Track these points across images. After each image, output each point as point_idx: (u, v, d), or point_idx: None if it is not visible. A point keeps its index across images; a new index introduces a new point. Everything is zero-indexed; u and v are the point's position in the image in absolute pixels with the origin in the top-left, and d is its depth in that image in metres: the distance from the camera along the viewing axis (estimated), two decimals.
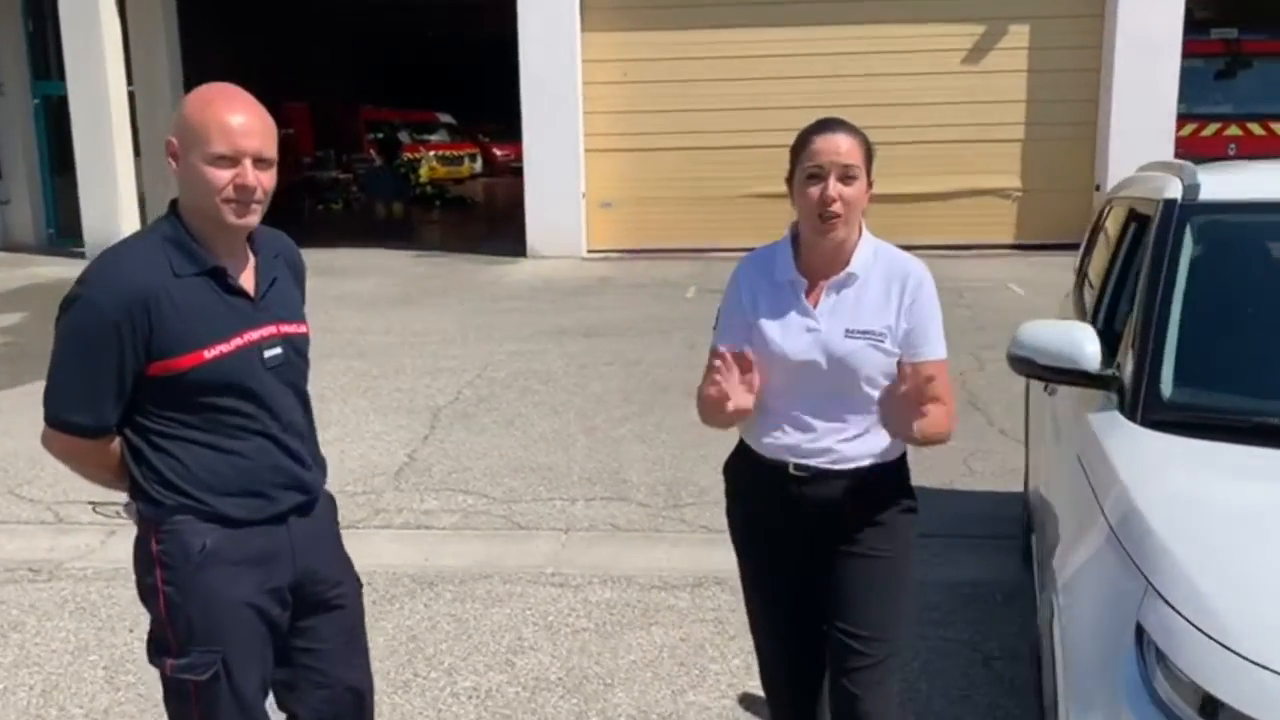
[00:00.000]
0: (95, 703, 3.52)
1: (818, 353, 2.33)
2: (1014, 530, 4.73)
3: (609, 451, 5.99)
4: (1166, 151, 12.83)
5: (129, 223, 14.58)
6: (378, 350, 8.58)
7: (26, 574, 4.53)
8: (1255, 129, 14.36)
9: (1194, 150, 13.70)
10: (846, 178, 2.27)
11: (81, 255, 14.23)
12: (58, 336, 2.10)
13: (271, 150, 2.09)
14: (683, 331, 9.06)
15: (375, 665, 2.62)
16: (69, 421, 2.11)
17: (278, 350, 2.18)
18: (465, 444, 6.22)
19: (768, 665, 2.66)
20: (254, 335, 2.14)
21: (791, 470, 2.39)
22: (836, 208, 2.26)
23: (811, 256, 2.37)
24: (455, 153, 29.73)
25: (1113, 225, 3.78)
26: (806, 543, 2.45)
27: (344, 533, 2.48)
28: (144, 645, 3.81)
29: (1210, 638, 1.65)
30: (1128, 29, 12.74)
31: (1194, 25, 13.27)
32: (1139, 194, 3.27)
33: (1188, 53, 13.04)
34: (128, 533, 4.90)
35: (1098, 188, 13.36)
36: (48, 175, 16.22)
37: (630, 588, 4.31)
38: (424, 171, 25.77)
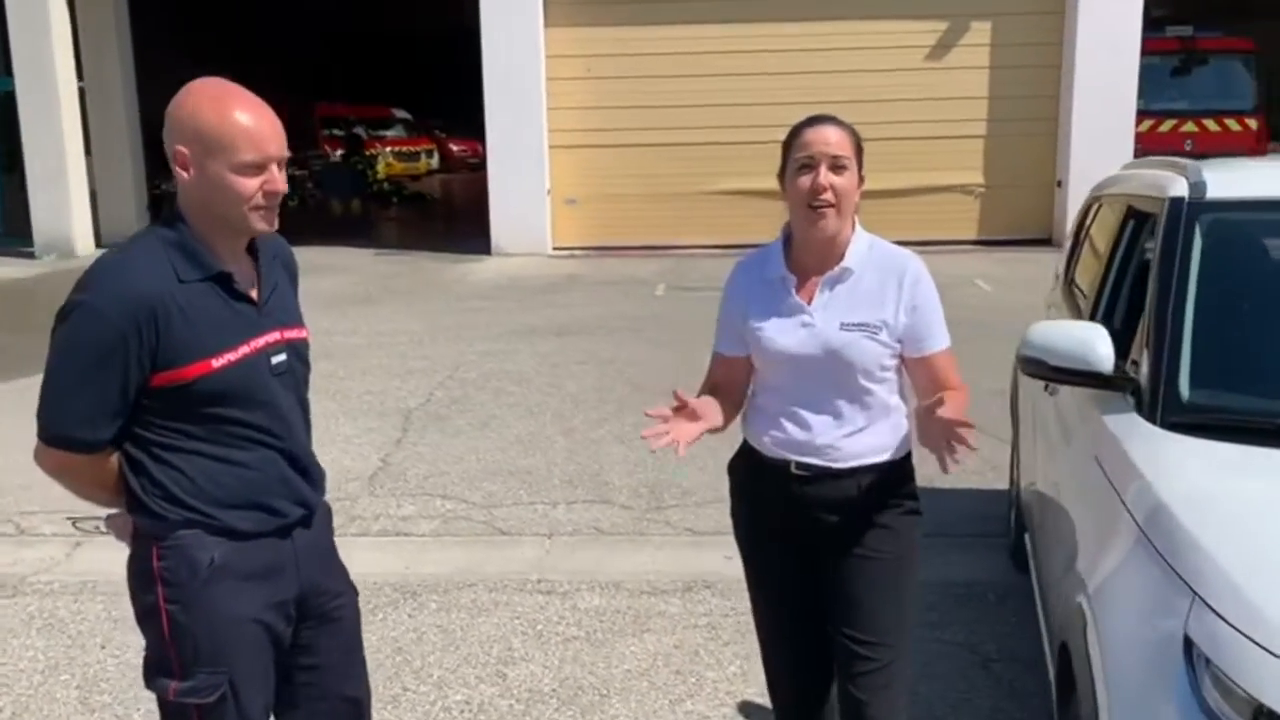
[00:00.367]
0: None
1: (814, 346, 2.33)
2: (1000, 529, 4.72)
3: (588, 453, 5.91)
4: (1127, 148, 12.98)
5: (80, 222, 14.25)
6: (344, 351, 8.42)
7: None
8: (1211, 125, 14.60)
9: (1152, 147, 13.87)
10: (837, 168, 2.29)
11: (31, 255, 13.89)
12: (55, 347, 1.97)
13: (286, 148, 2.03)
14: (654, 329, 8.99)
15: None
16: (67, 437, 2.00)
17: (283, 357, 2.11)
18: (440, 447, 6.10)
19: (772, 667, 2.63)
20: (260, 342, 2.07)
21: (793, 470, 2.39)
22: (827, 196, 2.28)
23: (804, 252, 2.38)
24: (412, 149, 29.44)
25: (1105, 223, 3.76)
26: (810, 544, 2.44)
27: None
28: (118, 663, 3.71)
29: (1262, 647, 1.61)
30: (1088, 26, 12.85)
31: (1150, 23, 13.43)
32: (1137, 191, 3.24)
33: (1144, 50, 13.19)
34: (96, 544, 4.78)
35: (1059, 184, 13.50)
36: None
37: (619, 594, 4.23)
38: (381, 168, 25.47)
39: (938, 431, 2.13)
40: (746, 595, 4.12)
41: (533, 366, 7.84)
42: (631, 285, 11.23)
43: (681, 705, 3.43)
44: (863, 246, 2.39)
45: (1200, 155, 11.47)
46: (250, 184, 1.97)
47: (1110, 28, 12.80)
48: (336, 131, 27.40)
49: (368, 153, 25.67)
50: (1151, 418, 2.35)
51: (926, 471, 5.71)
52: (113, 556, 4.60)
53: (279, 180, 2.00)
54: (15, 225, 14.98)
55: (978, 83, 13.45)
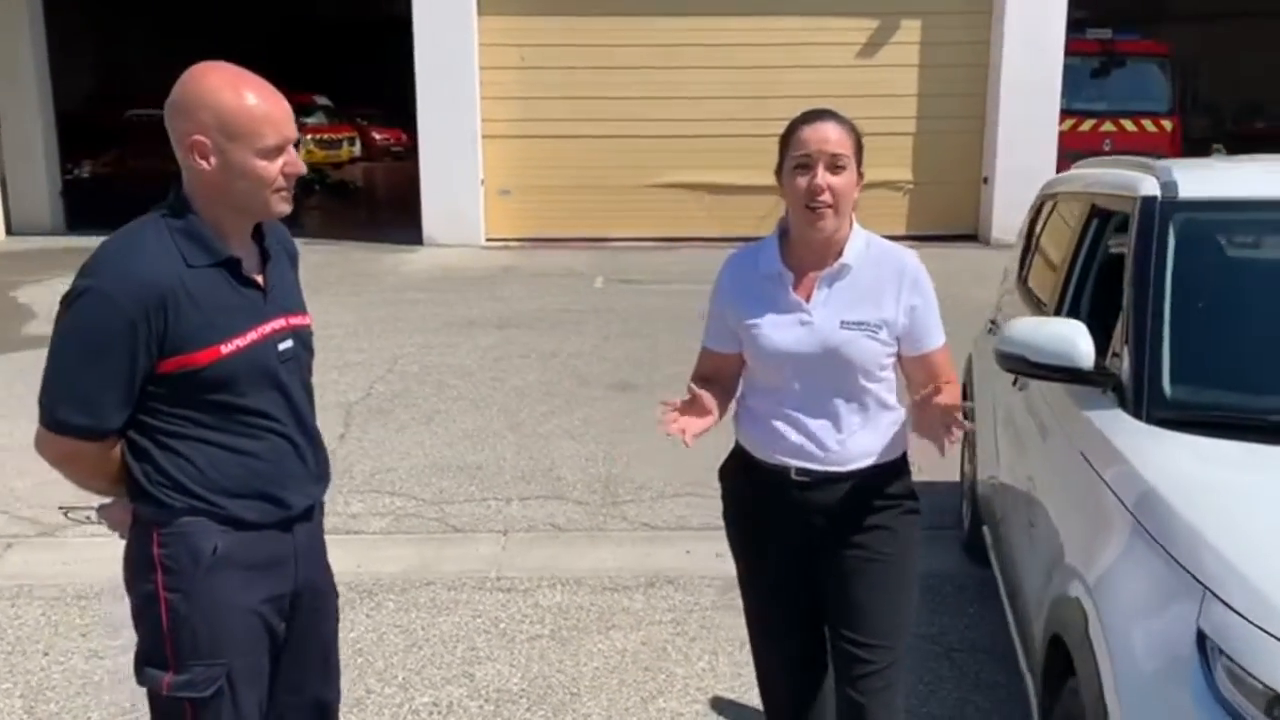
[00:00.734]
0: None
1: (813, 345, 2.29)
2: (952, 521, 4.79)
3: (538, 448, 5.85)
4: (1051, 146, 13.31)
5: None
6: None
7: None
8: (1128, 126, 15.03)
9: (1073, 146, 14.24)
10: (835, 167, 2.23)
11: None
12: (61, 332, 1.93)
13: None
14: (595, 322, 8.95)
15: None
16: (71, 424, 1.95)
17: (289, 343, 2.10)
18: (385, 443, 5.98)
19: (765, 669, 2.61)
20: (267, 328, 2.04)
21: (793, 475, 2.35)
22: (825, 198, 2.22)
23: (801, 249, 2.34)
24: (333, 136, 28.81)
25: (1064, 221, 3.82)
26: (808, 547, 2.40)
27: None
28: (63, 670, 3.56)
29: (1277, 638, 1.64)
30: (1014, 26, 13.14)
31: (1071, 25, 13.77)
32: (1102, 190, 3.30)
33: (1066, 51, 13.52)
34: (28, 545, 4.58)
35: (985, 180, 13.78)
36: None
37: (581, 590, 4.19)
38: (302, 155, 24.89)
39: (935, 417, 2.15)
40: (709, 590, 4.17)
41: (474, 360, 7.74)
42: (569, 277, 11.16)
43: (654, 702, 3.40)
44: (860, 243, 2.35)
45: (1118, 154, 11.76)
46: (273, 167, 1.96)
47: (1035, 29, 13.11)
48: None
49: None
50: (1138, 414, 2.40)
51: None
52: (48, 558, 4.45)
53: (298, 161, 2.01)
54: None
55: (907, 80, 13.66)
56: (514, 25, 13.31)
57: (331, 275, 11.53)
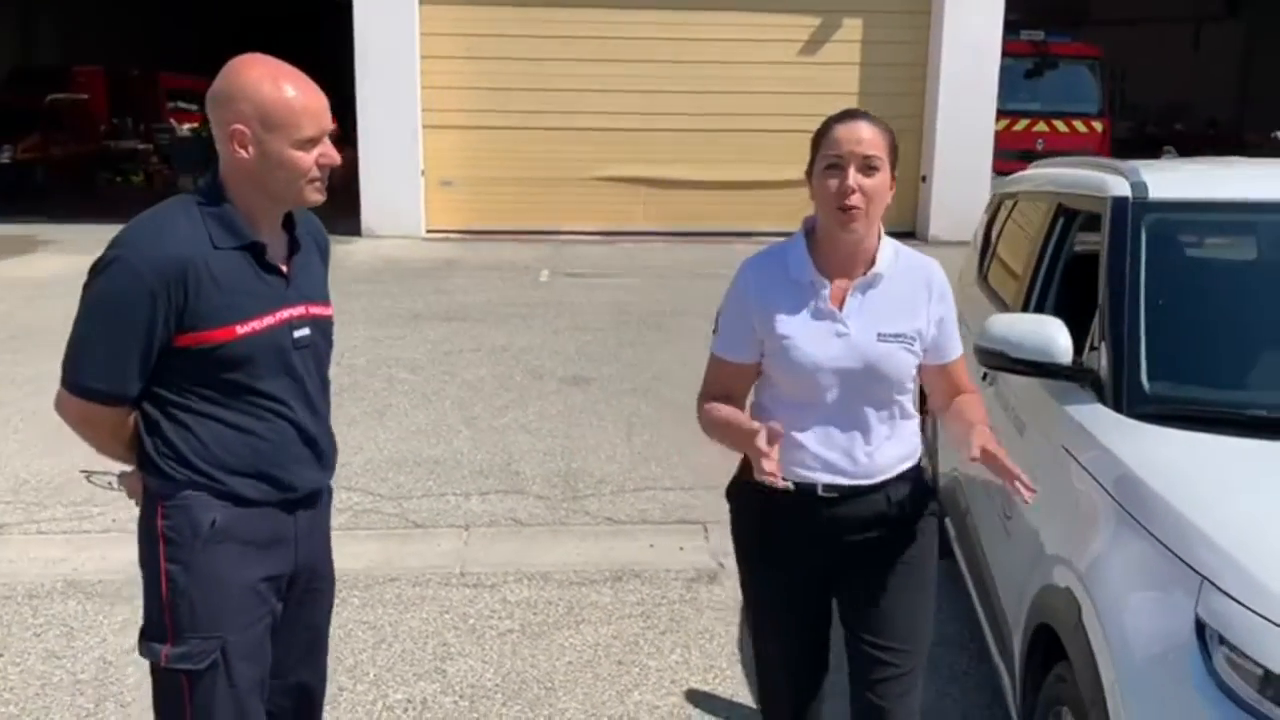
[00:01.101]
0: None
1: (851, 359, 2.20)
2: None
3: (494, 443, 5.81)
4: (987, 145, 13.59)
5: None
6: None
7: None
8: (1060, 126, 15.41)
9: (1007, 145, 14.57)
10: (867, 169, 2.14)
11: None
12: (87, 299, 2.00)
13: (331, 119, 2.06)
14: (544, 315, 8.91)
15: None
16: (89, 388, 2.02)
17: (306, 331, 2.16)
18: (337, 437, 5.87)
19: (771, 673, 2.53)
20: (285, 314, 2.10)
21: (820, 492, 2.25)
22: (855, 200, 2.13)
23: (830, 254, 2.24)
24: None
25: (1027, 221, 3.91)
26: (831, 560, 2.33)
27: None
28: (20, 672, 3.46)
29: (1269, 620, 1.71)
30: (953, 27, 13.36)
31: (1005, 26, 14.06)
32: (1069, 190, 3.38)
33: (1001, 52, 13.81)
34: None
35: (924, 179, 14.00)
36: None
37: (548, 585, 4.18)
38: None
39: (998, 470, 2.06)
40: (675, 584, 4.19)
41: (423, 353, 7.65)
42: (514, 270, 11.09)
43: (629, 696, 3.41)
44: (890, 251, 2.26)
45: (1050, 154, 12.09)
46: (308, 158, 2.02)
47: (973, 29, 13.35)
48: (183, 104, 26.12)
49: None
50: (1118, 408, 2.47)
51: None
52: None
53: (333, 152, 2.06)
54: None
55: (848, 78, 13.81)
56: (456, 15, 13.18)
57: None
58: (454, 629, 3.82)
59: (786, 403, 2.27)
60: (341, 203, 15.01)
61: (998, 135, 14.12)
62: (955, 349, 2.32)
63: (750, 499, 2.35)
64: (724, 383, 2.32)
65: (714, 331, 2.36)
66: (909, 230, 14.08)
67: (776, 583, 2.37)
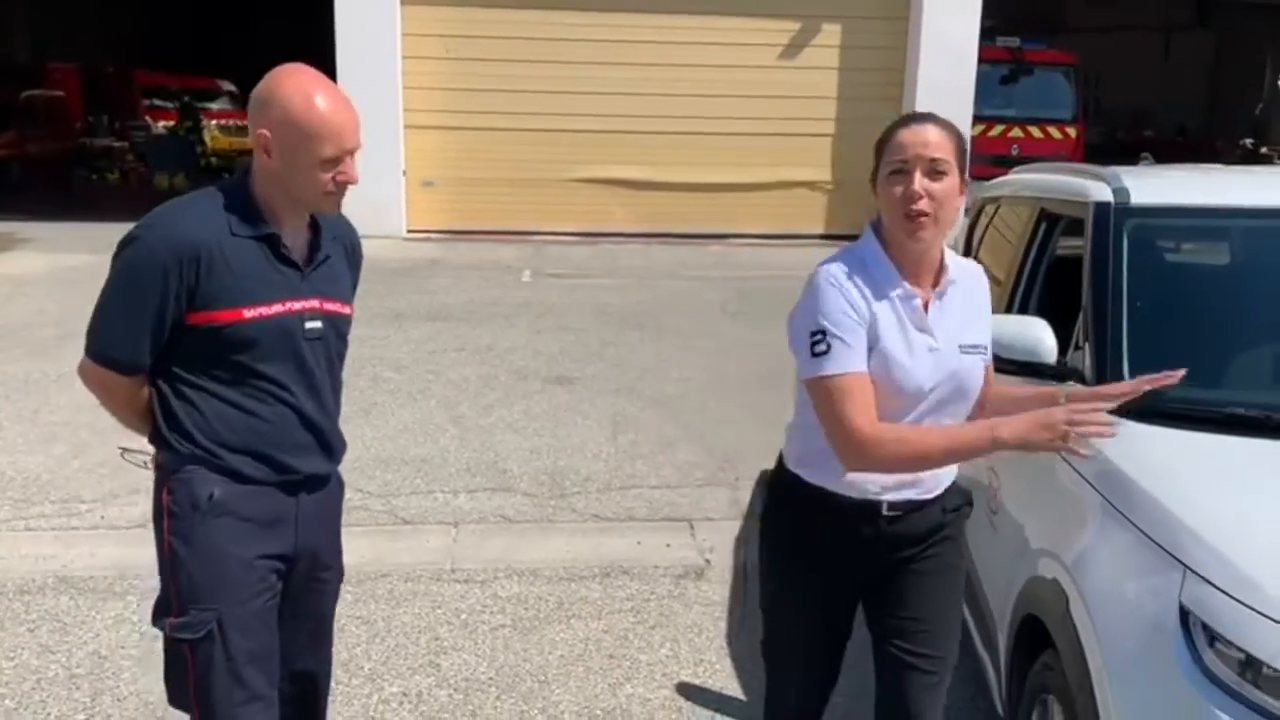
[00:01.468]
0: None
1: (941, 374, 2.11)
2: None
3: (481, 441, 5.85)
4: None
5: None
6: None
7: None
8: (1035, 132, 15.59)
9: (982, 150, 14.71)
10: (934, 172, 2.04)
11: None
12: (111, 272, 2.14)
13: (360, 138, 2.16)
14: (527, 316, 8.96)
15: None
16: (107, 355, 2.15)
17: (318, 324, 2.23)
18: None
19: (787, 683, 2.47)
20: (297, 305, 2.18)
21: (884, 511, 2.18)
22: (923, 205, 2.03)
23: (901, 262, 2.12)
24: (240, 122, 28.08)
25: (1009, 225, 4.00)
26: (878, 573, 2.27)
27: None
28: (14, 666, 3.47)
29: (1250, 607, 1.80)
30: (930, 33, 13.50)
31: (982, 33, 14.23)
32: (1052, 195, 3.47)
33: (978, 58, 13.97)
34: None
35: None
36: None
37: (538, 581, 4.24)
38: (209, 140, 24.22)
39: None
40: (664, 580, 4.25)
41: (408, 353, 7.68)
42: (496, 271, 11.13)
43: (621, 689, 3.47)
44: (950, 257, 2.19)
45: (1025, 159, 12.25)
46: (326, 176, 2.13)
47: (950, 35, 13.49)
48: (159, 101, 25.95)
49: (200, 123, 24.38)
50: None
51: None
52: None
53: (352, 172, 2.17)
54: None
55: (827, 83, 13.93)
56: (438, 15, 13.19)
57: None
58: (446, 624, 3.87)
59: None
60: None
61: (974, 140, 14.23)
62: (989, 352, 2.29)
63: (792, 511, 2.27)
64: (869, 398, 2.07)
65: (822, 353, 2.06)
66: None
67: (813, 588, 2.29)
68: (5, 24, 22.73)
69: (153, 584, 2.27)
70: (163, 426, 2.18)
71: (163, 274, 2.06)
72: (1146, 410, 2.50)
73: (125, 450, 2.47)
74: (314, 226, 2.26)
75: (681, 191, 14.06)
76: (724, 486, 5.26)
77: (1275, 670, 1.75)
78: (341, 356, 2.34)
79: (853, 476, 2.14)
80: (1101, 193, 3.02)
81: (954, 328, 2.15)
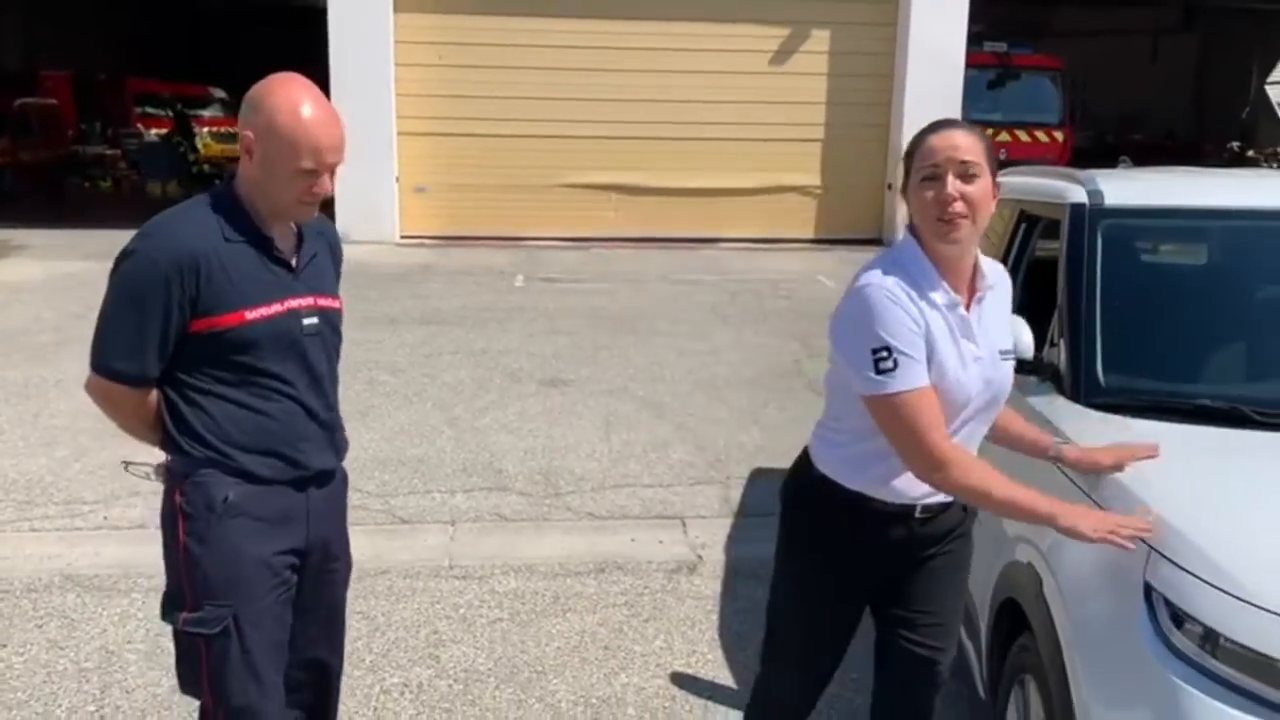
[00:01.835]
0: None
1: (984, 381, 2.14)
2: None
3: (477, 442, 5.95)
4: None
5: None
6: None
7: None
8: (1022, 135, 15.74)
9: None
10: (967, 175, 2.05)
11: None
12: (111, 287, 2.17)
13: (343, 154, 2.20)
14: (521, 320, 9.06)
15: None
16: (114, 369, 2.18)
17: (314, 320, 2.29)
18: None
19: (789, 682, 2.52)
20: (293, 303, 2.25)
21: (917, 514, 2.23)
22: (958, 207, 2.04)
23: (941, 269, 2.13)
24: (231, 129, 28.12)
25: (990, 225, 4.09)
26: (899, 568, 2.32)
27: None
28: (24, 661, 3.55)
29: (1210, 584, 1.91)
30: (918, 39, 13.66)
31: (969, 38, 14.38)
32: (1031, 197, 3.58)
33: (964, 64, 14.12)
34: None
35: (890, 186, 14.28)
36: None
37: (534, 576, 4.33)
38: (200, 148, 24.29)
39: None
40: (657, 574, 4.35)
41: (403, 356, 7.77)
42: (488, 275, 11.23)
43: (616, 678, 3.57)
44: (984, 262, 2.21)
45: (1012, 163, 12.41)
46: (301, 185, 2.18)
47: (937, 41, 13.66)
48: (150, 109, 26.01)
49: (193, 131, 24.44)
50: (1075, 398, 2.67)
51: (777, 448, 6.01)
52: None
53: (328, 185, 2.21)
54: None
55: (817, 88, 14.08)
56: (430, 23, 13.31)
57: None
58: (445, 618, 3.97)
59: None
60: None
61: None
62: None
63: (824, 514, 2.29)
64: (939, 413, 2.07)
65: (889, 370, 2.04)
66: (876, 237, 14.36)
67: (827, 587, 2.34)
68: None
69: (157, 582, 2.34)
70: (173, 432, 2.22)
71: (165, 285, 2.10)
72: (1115, 403, 2.62)
73: (128, 464, 2.53)
74: (297, 224, 2.32)
75: (672, 196, 14.19)
76: (716, 485, 5.36)
77: (1232, 642, 1.86)
78: (338, 349, 2.41)
79: (898, 483, 2.16)
80: (1077, 195, 3.13)
81: (993, 334, 2.18)
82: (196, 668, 2.26)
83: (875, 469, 2.18)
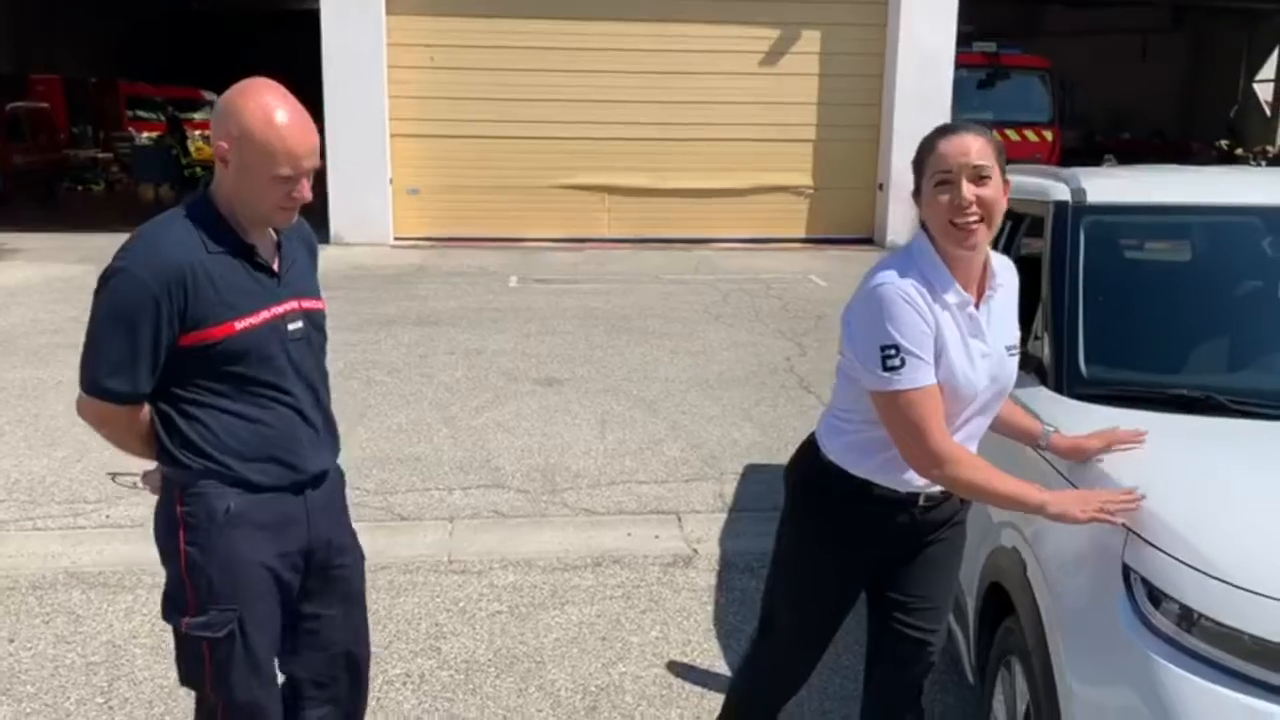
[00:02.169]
0: None
1: (991, 376, 2.23)
2: None
3: (474, 441, 6.02)
4: None
5: None
6: None
7: None
8: (1012, 135, 15.84)
9: None
10: (979, 178, 2.11)
11: None
12: (97, 307, 2.15)
13: (319, 158, 2.21)
14: (516, 321, 9.13)
15: None
16: (107, 389, 2.16)
17: (299, 324, 2.31)
18: None
19: (785, 667, 2.61)
20: (279, 309, 2.26)
21: (921, 502, 2.32)
22: (973, 211, 2.11)
23: (955, 270, 2.19)
24: None
25: None
26: (902, 552, 2.40)
27: None
28: (32, 655, 3.62)
29: (1186, 564, 1.99)
30: (907, 39, 13.76)
31: (958, 38, 14.48)
32: (1015, 195, 3.65)
33: (955, 64, 14.22)
34: None
35: (880, 186, 14.38)
36: None
37: (532, 571, 4.40)
38: (192, 151, 24.30)
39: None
40: (653, 568, 4.43)
41: (400, 357, 7.84)
42: (482, 277, 11.30)
43: (614, 668, 3.64)
44: (995, 259, 2.28)
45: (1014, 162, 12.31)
46: (279, 191, 2.17)
47: (927, 42, 13.75)
48: (143, 113, 26.04)
49: (183, 134, 24.43)
50: (1059, 389, 2.75)
51: (770, 445, 6.08)
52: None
53: (306, 191, 2.21)
54: None
55: (808, 89, 14.17)
56: (423, 25, 13.38)
57: None
58: (445, 611, 4.04)
59: None
60: (310, 210, 15.04)
61: None
62: None
63: (838, 504, 2.36)
64: (941, 410, 2.16)
65: (896, 368, 2.12)
66: (867, 236, 14.46)
67: (835, 565, 2.42)
68: None
69: (160, 579, 2.35)
70: (168, 445, 2.21)
71: (154, 302, 2.09)
72: (1097, 394, 2.70)
73: (115, 475, 2.56)
74: (275, 229, 2.32)
75: (665, 197, 14.27)
76: (710, 481, 5.44)
77: (1208, 619, 1.94)
78: (323, 348, 2.42)
79: (902, 471, 2.25)
80: (1060, 192, 3.21)
81: (1000, 331, 2.26)
82: (199, 666, 2.29)
83: (880, 455, 2.26)
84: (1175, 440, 2.43)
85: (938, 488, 2.28)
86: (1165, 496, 2.14)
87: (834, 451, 2.35)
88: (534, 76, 13.58)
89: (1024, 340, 3.00)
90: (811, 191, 14.56)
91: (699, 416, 6.51)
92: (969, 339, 2.19)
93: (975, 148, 2.12)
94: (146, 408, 2.23)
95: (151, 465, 2.33)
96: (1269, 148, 21.01)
